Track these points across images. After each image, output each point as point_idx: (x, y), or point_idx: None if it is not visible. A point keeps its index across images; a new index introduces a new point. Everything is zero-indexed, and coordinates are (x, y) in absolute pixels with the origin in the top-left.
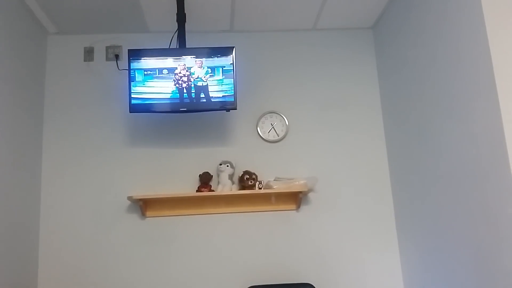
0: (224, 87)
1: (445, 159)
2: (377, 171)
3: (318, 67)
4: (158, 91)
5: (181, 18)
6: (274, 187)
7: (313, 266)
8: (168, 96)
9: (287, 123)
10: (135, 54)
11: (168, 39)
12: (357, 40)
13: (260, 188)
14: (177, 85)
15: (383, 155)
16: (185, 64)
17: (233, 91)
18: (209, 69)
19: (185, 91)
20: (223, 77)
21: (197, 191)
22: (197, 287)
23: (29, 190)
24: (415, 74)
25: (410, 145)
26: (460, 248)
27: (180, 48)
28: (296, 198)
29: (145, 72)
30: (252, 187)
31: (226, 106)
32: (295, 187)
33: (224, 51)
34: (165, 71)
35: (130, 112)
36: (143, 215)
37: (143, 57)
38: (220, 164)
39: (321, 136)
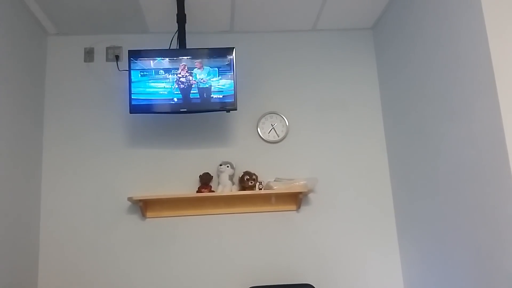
0: (224, 88)
1: (445, 160)
2: (377, 172)
3: (318, 68)
4: (158, 92)
5: (181, 18)
6: (274, 187)
7: (313, 267)
8: (168, 97)
9: (287, 124)
10: (135, 54)
11: (168, 40)
12: (357, 41)
13: (260, 189)
14: (177, 86)
15: (383, 156)
16: (185, 65)
17: (233, 91)
18: (209, 70)
19: (185, 91)
20: (223, 77)
21: (197, 191)
22: (197, 287)
23: (30, 191)
24: (415, 75)
25: (410, 145)
26: (460, 248)
27: (180, 48)
28: (296, 199)
29: (145, 73)
30: (252, 187)
31: (226, 106)
32: (295, 187)
33: (224, 52)
34: (165, 72)
35: (130, 112)
36: (143, 215)
37: (143, 57)
38: (220, 165)
39: (321, 137)
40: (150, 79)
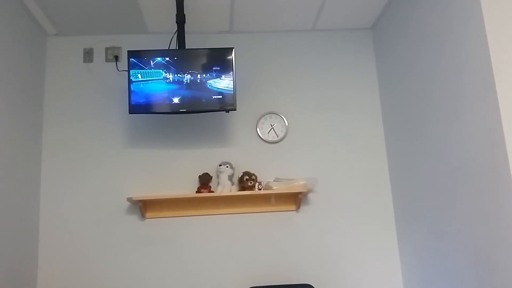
0: (223, 88)
1: (445, 160)
2: (377, 172)
3: (318, 68)
4: (157, 92)
5: (180, 19)
6: (274, 188)
7: (313, 267)
8: (168, 97)
9: (286, 124)
10: (135, 55)
11: (168, 40)
12: (356, 41)
13: (259, 189)
14: (176, 86)
15: (383, 156)
16: (184, 65)
17: (232, 91)
18: (209, 70)
19: (184, 92)
20: (223, 78)
21: (196, 192)
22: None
23: (29, 192)
24: (414, 74)
25: (409, 145)
26: (460, 248)
27: (180, 49)
28: (296, 199)
29: (145, 73)
30: (251, 188)
31: (226, 107)
32: (294, 187)
33: (223, 52)
34: (164, 72)
35: (129, 113)
36: (142, 216)
37: (143, 58)
38: (220, 165)
39: (320, 137)
40: (149, 80)
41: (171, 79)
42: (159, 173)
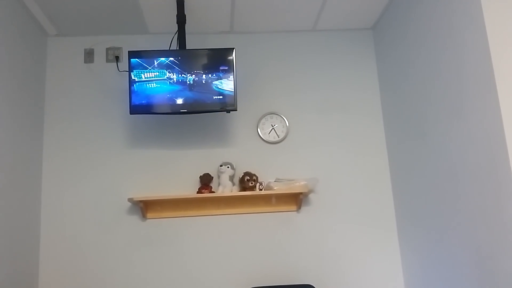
0: (224, 88)
1: (446, 160)
2: (378, 172)
3: (318, 68)
4: (158, 92)
5: (181, 19)
6: (275, 188)
7: (314, 267)
8: (169, 97)
9: (287, 124)
10: (135, 55)
11: (168, 41)
12: (357, 41)
13: (260, 189)
14: (177, 87)
15: (384, 156)
16: (185, 66)
17: (233, 92)
18: (209, 71)
19: (185, 92)
20: (223, 78)
21: (197, 192)
22: None
23: (30, 192)
24: (415, 75)
25: (410, 145)
26: (461, 248)
27: (180, 49)
28: (296, 199)
29: (145, 74)
30: (252, 188)
31: (227, 107)
32: (295, 188)
33: (224, 52)
34: (165, 73)
35: (130, 113)
36: (143, 216)
37: (143, 58)
38: (221, 166)
39: (321, 137)
40: (150, 80)
41: (171, 79)
42: (160, 173)
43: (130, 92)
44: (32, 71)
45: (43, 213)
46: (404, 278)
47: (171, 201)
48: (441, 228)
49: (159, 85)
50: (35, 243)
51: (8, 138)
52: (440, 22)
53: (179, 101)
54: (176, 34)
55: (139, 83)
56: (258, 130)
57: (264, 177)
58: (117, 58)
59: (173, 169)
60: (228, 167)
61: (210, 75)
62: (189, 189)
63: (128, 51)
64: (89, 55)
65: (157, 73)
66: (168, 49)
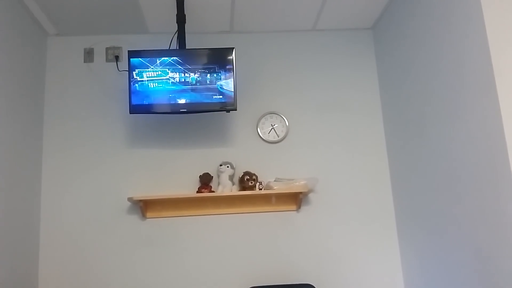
0: (224, 88)
1: (446, 160)
2: (377, 172)
3: (318, 68)
4: (158, 92)
5: (181, 19)
6: (275, 187)
7: (314, 267)
8: (168, 97)
9: (287, 124)
10: (135, 55)
11: (168, 40)
12: (357, 41)
13: (260, 189)
14: (176, 86)
15: (383, 156)
16: (185, 65)
17: (233, 92)
18: (209, 70)
19: (185, 92)
20: (223, 78)
21: (197, 192)
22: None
23: (30, 192)
24: (415, 75)
25: (410, 145)
26: (461, 248)
27: (180, 49)
28: (296, 199)
29: (145, 73)
30: (252, 188)
31: (226, 107)
32: (295, 187)
33: (224, 52)
34: (165, 72)
35: (130, 113)
36: (143, 216)
37: (143, 58)
38: (221, 165)
39: (321, 137)
40: (149, 80)
41: (170, 79)
42: (159, 173)
43: (130, 91)
44: (32, 71)
45: (43, 213)
46: (404, 278)
47: (171, 201)
48: (441, 228)
49: (158, 85)
50: (34, 243)
51: (7, 137)
52: (440, 21)
53: (179, 100)
54: (176, 34)
55: (139, 82)
56: (258, 129)
57: (264, 176)
58: (117, 58)
59: (173, 169)
60: (228, 167)
61: (209, 75)
62: (189, 189)
63: (128, 51)
64: (89, 55)
65: (157, 73)
66: (168, 48)
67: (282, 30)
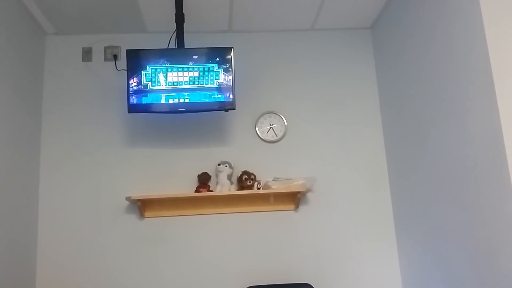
0: (222, 87)
1: (444, 159)
2: (376, 171)
3: (317, 67)
4: (156, 91)
5: (179, 18)
6: (273, 187)
7: (312, 266)
8: (166, 96)
9: (285, 123)
10: (134, 54)
11: (167, 39)
12: (355, 40)
13: (258, 188)
14: (175, 85)
15: (382, 155)
16: (183, 64)
17: (231, 91)
18: (208, 69)
19: (183, 91)
20: (222, 77)
21: (195, 191)
22: (195, 287)
23: (27, 191)
24: (413, 74)
25: (408, 145)
26: (459, 248)
27: (179, 48)
28: (294, 198)
29: (144, 72)
30: (250, 187)
31: (225, 106)
32: (293, 187)
33: (222, 51)
34: (163, 72)
35: (128, 112)
36: (141, 215)
37: (142, 57)
38: (219, 164)
39: (319, 136)
40: (148, 79)
41: (169, 78)
42: (158, 172)
43: (128, 91)
44: (30, 70)
45: (41, 212)
46: (402, 277)
47: (169, 200)
48: (439, 228)
49: (157, 84)
50: (32, 242)
51: (5, 136)
52: (439, 21)
53: (177, 100)
54: (175, 33)
55: (137, 82)
56: (257, 129)
57: (262, 176)
58: (115, 57)
59: (171, 168)
60: (226, 166)
61: (208, 74)
62: (187, 188)
63: (127, 50)
64: (87, 54)
65: (155, 72)
66: (166, 48)
67: (281, 30)
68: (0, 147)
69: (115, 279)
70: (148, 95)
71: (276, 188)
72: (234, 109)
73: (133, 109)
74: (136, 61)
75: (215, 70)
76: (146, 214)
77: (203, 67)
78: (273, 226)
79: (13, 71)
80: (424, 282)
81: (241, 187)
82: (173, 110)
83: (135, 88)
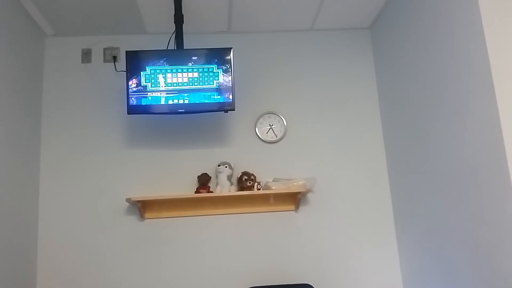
0: (222, 88)
1: (444, 158)
2: (376, 171)
3: (316, 68)
4: (156, 92)
5: (178, 19)
6: (273, 187)
7: (312, 267)
8: (166, 97)
9: (285, 124)
10: (133, 55)
11: (166, 41)
12: (355, 41)
13: (258, 189)
14: (175, 86)
15: (382, 155)
16: (183, 65)
17: (231, 92)
18: (207, 70)
19: (183, 92)
20: (221, 78)
21: (195, 192)
22: None
23: (27, 192)
24: (413, 74)
25: (408, 145)
26: (459, 247)
27: (178, 49)
28: (295, 199)
29: (143, 74)
30: (250, 188)
31: (224, 107)
32: (293, 187)
33: (221, 52)
34: (162, 73)
35: (128, 113)
36: (141, 216)
37: (141, 58)
38: (219, 165)
39: (319, 137)
40: (147, 80)
41: (168, 79)
42: (158, 173)
43: (128, 92)
44: (30, 71)
45: (41, 214)
46: (402, 277)
47: (169, 201)
48: (439, 227)
49: (156, 86)
50: (33, 244)
51: (5, 138)
52: (438, 21)
53: (177, 101)
54: (174, 34)
55: (137, 83)
56: (256, 129)
57: (262, 176)
58: (114, 58)
59: (171, 169)
60: (226, 167)
61: (207, 75)
62: (187, 189)
63: (126, 51)
64: (86, 55)
65: (155, 73)
66: (165, 49)
67: (280, 30)
68: (0, 149)
69: (116, 280)
70: (148, 96)
71: (276, 188)
72: (234, 110)
73: (132, 110)
74: (135, 62)
75: (214, 71)
76: (146, 215)
77: (203, 68)
78: (273, 227)
79: (12, 73)
80: (424, 282)
81: (241, 188)
82: (173, 111)
83: (134, 89)
